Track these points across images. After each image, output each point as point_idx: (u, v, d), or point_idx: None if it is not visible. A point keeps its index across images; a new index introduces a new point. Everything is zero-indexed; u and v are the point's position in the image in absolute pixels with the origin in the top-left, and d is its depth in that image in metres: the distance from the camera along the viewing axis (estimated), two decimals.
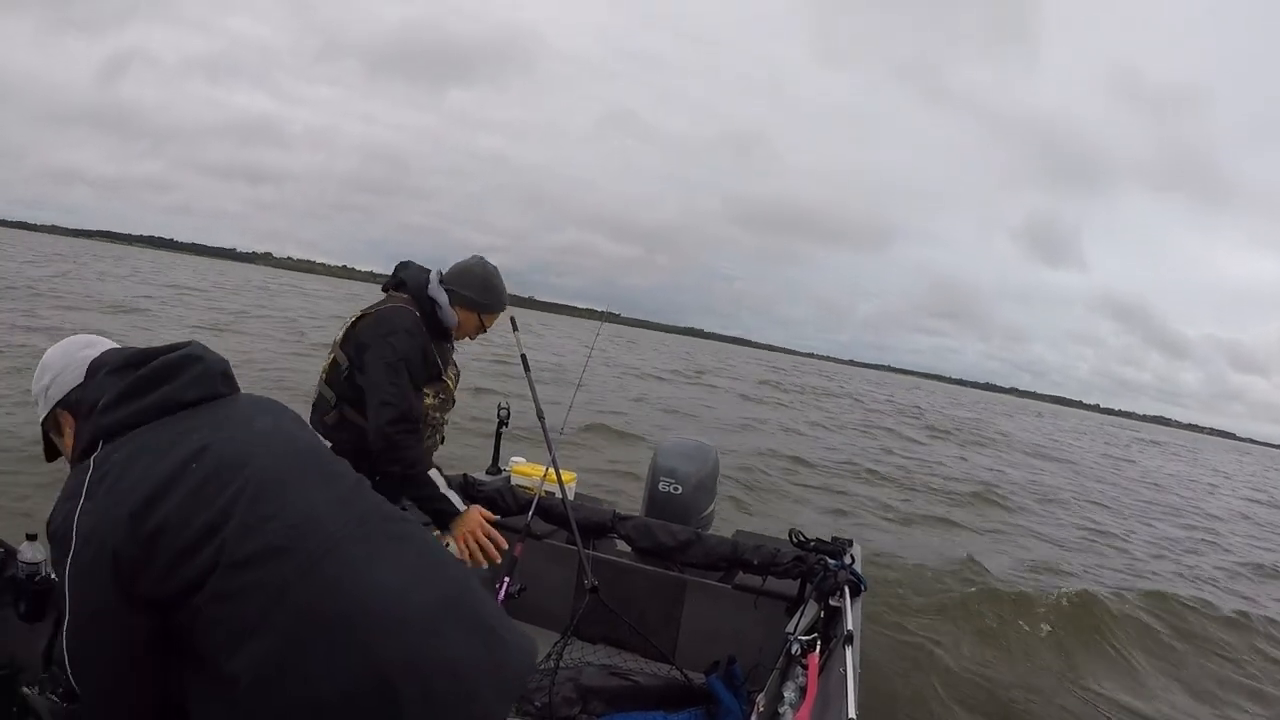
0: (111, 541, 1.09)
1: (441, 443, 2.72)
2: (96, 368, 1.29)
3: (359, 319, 2.48)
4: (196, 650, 1.10)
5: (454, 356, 2.73)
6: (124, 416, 1.22)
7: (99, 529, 1.09)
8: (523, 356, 3.00)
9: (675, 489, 3.86)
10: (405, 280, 2.54)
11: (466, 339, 2.67)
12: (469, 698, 1.11)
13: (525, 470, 4.10)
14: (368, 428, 2.33)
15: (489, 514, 2.41)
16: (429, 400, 2.49)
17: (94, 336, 1.41)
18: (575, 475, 4.17)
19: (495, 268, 2.60)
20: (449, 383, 2.61)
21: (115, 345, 1.37)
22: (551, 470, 3.42)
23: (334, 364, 2.48)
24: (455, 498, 2.39)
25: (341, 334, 2.51)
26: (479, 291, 2.54)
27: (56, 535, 1.13)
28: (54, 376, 1.34)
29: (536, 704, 2.83)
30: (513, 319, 3.42)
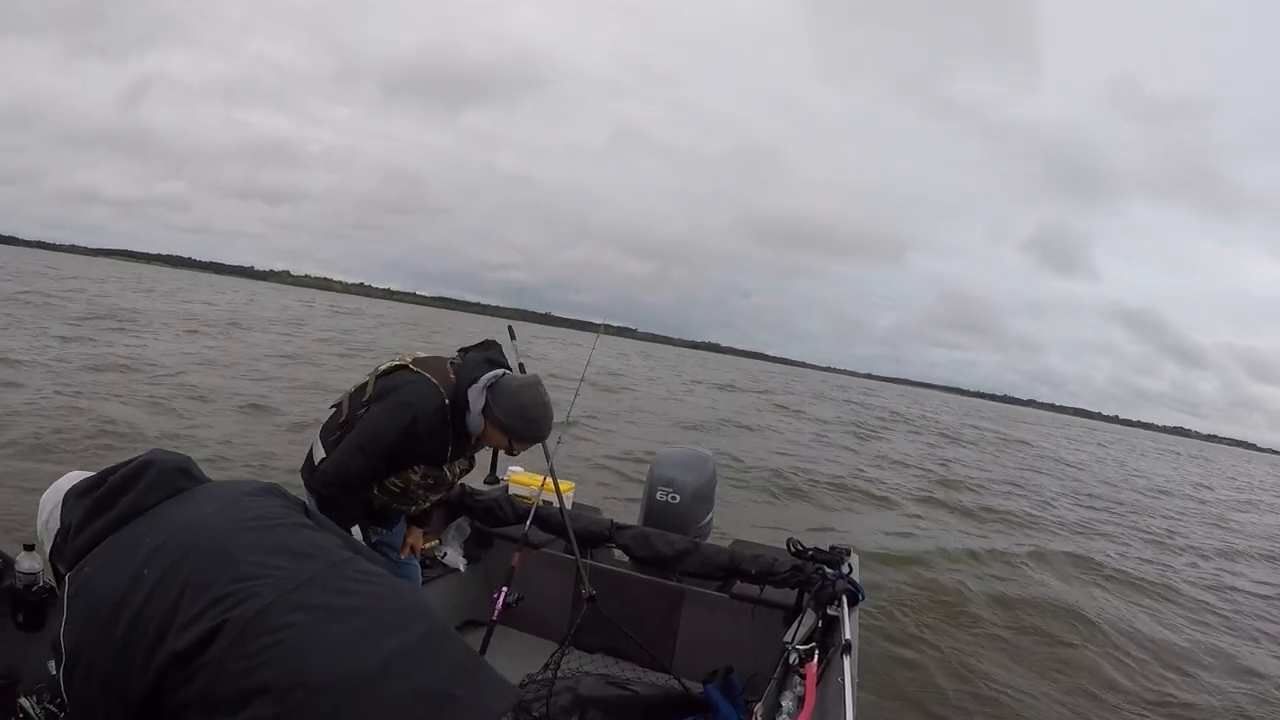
0: (92, 654, 1.17)
1: (414, 511, 2.68)
2: (69, 495, 1.41)
3: (402, 367, 2.44)
4: None
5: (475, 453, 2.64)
6: (92, 534, 1.31)
7: (80, 644, 1.19)
8: (520, 365, 3.00)
9: (673, 498, 3.86)
10: (463, 364, 2.44)
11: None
12: None
13: (523, 480, 4.10)
14: (323, 461, 2.39)
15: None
16: (415, 478, 2.45)
17: (76, 471, 1.52)
18: (573, 485, 4.16)
19: (544, 400, 2.42)
20: (446, 473, 2.52)
21: (88, 474, 1.47)
22: (549, 479, 3.42)
23: (363, 388, 2.45)
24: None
25: (385, 367, 2.48)
26: (508, 417, 2.38)
27: (54, 646, 1.22)
28: (50, 511, 1.46)
29: (535, 714, 2.83)
30: (510, 328, 3.43)
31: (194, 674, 1.12)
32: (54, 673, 1.51)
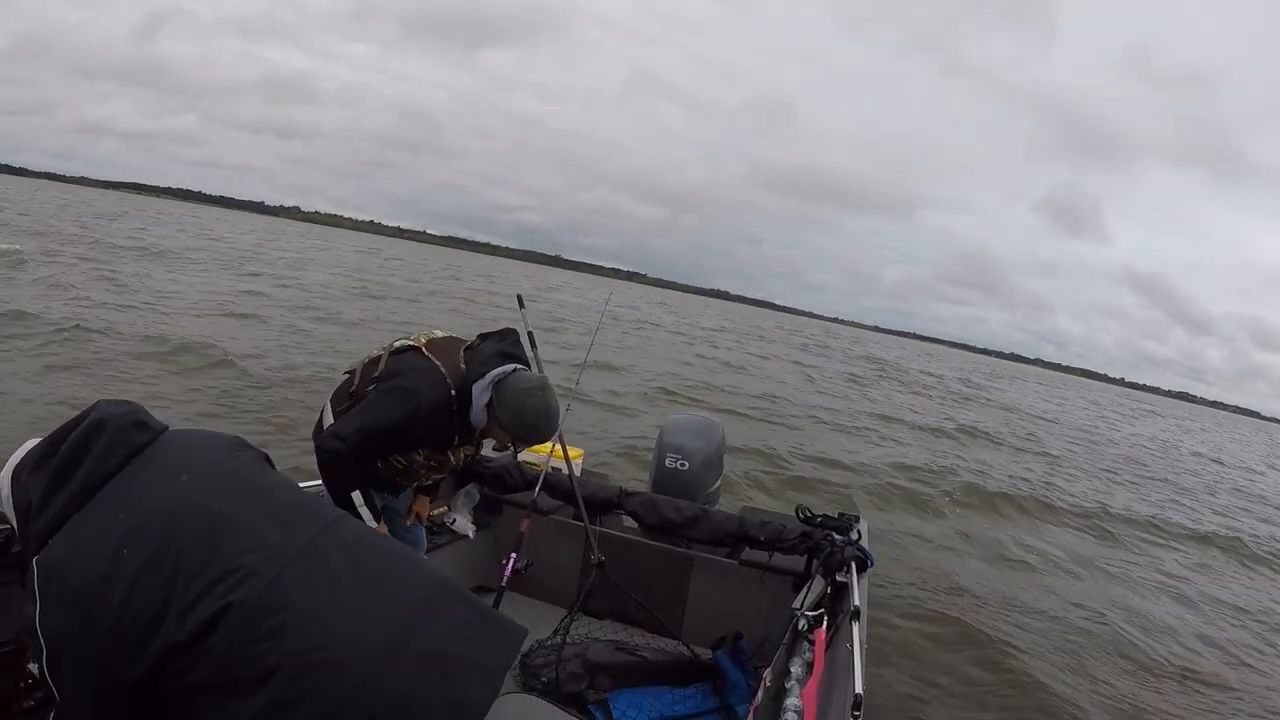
0: (78, 644, 1.12)
1: (415, 486, 2.68)
2: (19, 471, 1.31)
3: (414, 348, 2.40)
4: None
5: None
6: (55, 512, 1.22)
7: (63, 634, 1.12)
8: (529, 334, 2.98)
9: (682, 465, 3.85)
10: (475, 355, 2.40)
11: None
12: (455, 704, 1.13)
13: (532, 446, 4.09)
14: (325, 430, 2.38)
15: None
16: (419, 458, 2.45)
17: (32, 440, 1.39)
18: (582, 451, 4.16)
19: (548, 406, 2.36)
20: (450, 457, 2.51)
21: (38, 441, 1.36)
22: (558, 446, 3.41)
23: (376, 362, 2.43)
24: (367, 515, 2.39)
25: (399, 344, 2.44)
26: (511, 420, 2.34)
27: (30, 636, 1.15)
28: (6, 491, 1.36)
29: (543, 679, 2.84)
30: (519, 297, 3.41)
31: (198, 661, 1.09)
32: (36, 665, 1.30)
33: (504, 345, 2.45)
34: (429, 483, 2.69)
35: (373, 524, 2.41)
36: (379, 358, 2.43)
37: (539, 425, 2.37)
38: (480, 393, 2.34)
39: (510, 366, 2.39)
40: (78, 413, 1.33)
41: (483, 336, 2.50)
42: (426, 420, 2.31)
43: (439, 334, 2.50)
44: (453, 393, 2.32)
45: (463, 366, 2.36)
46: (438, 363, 2.34)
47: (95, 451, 1.25)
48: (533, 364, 2.73)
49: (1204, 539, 10.67)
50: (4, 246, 16.99)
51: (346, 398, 2.44)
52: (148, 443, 1.31)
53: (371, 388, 2.37)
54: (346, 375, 2.53)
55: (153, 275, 17.57)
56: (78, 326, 9.98)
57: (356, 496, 2.38)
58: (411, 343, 2.43)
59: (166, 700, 1.12)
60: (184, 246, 27.86)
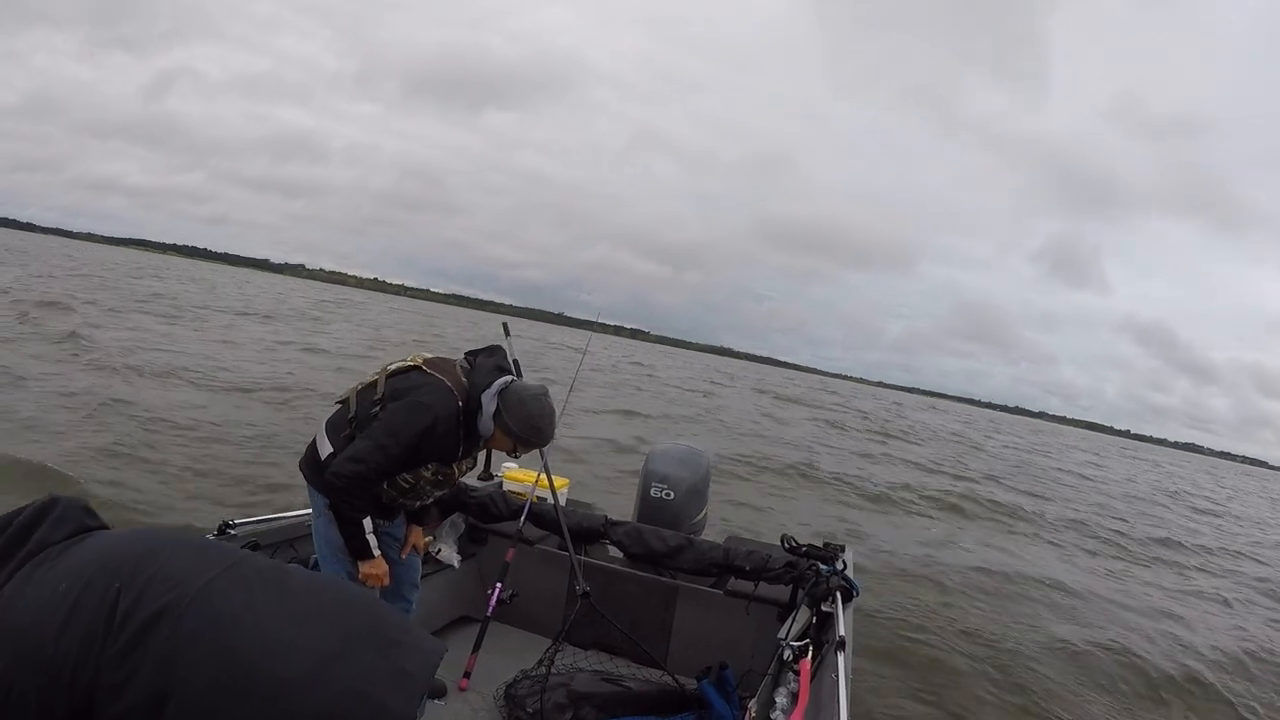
0: (21, 679, 1.14)
1: (417, 507, 2.75)
2: None
3: (415, 368, 2.53)
4: None
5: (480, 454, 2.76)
6: (6, 574, 1.26)
7: (5, 672, 1.14)
8: (515, 362, 3.00)
9: (667, 495, 3.85)
10: (475, 369, 2.58)
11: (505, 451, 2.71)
12: (376, 713, 1.17)
13: (517, 476, 4.09)
14: (339, 456, 2.43)
15: (382, 575, 2.53)
16: (426, 474, 2.53)
17: None
18: (567, 481, 4.16)
19: (551, 410, 2.60)
20: (455, 470, 2.62)
21: None
22: (544, 476, 3.42)
23: (372, 386, 2.53)
24: (374, 542, 2.48)
25: (395, 367, 2.56)
26: (519, 424, 2.54)
27: None
28: None
29: (529, 710, 2.83)
30: (504, 325, 3.43)
31: (128, 683, 1.12)
32: None
33: (497, 359, 2.66)
34: (429, 500, 2.75)
35: (376, 552, 2.49)
36: (374, 382, 2.55)
37: (543, 428, 2.59)
38: (488, 401, 2.53)
39: (509, 378, 2.61)
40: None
41: (471, 354, 2.66)
42: (441, 432, 2.45)
43: (428, 355, 2.63)
44: (460, 404, 2.48)
45: (464, 381, 2.52)
46: (442, 378, 2.50)
47: (46, 523, 1.33)
48: None
49: None
50: (54, 298, 19.76)
51: (345, 424, 2.52)
52: (96, 527, 1.40)
53: (376, 410, 2.47)
54: (339, 404, 2.60)
55: (204, 326, 20.37)
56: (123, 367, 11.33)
57: (367, 523, 2.45)
58: (410, 363, 2.56)
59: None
60: (204, 302, 30.23)
